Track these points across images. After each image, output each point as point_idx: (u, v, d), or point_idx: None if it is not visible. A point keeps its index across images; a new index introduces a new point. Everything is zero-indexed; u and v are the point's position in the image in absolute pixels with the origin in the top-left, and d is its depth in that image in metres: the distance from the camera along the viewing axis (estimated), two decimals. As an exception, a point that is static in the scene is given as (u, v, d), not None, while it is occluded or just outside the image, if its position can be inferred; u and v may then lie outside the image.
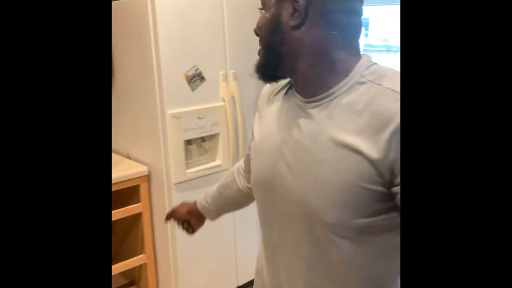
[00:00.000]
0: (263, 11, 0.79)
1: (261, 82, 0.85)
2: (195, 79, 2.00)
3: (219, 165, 2.14)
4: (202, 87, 2.03)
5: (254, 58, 0.82)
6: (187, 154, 2.04)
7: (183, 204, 1.22)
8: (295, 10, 0.73)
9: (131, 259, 2.14)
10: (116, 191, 2.01)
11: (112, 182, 1.98)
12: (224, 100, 2.11)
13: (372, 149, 0.68)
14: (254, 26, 0.81)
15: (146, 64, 1.95)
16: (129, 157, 2.25)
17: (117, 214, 2.03)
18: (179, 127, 1.97)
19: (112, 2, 2.11)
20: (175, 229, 2.03)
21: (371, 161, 0.68)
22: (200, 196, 1.19)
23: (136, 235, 2.22)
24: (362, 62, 0.75)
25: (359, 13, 0.75)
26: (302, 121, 0.77)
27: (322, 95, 0.75)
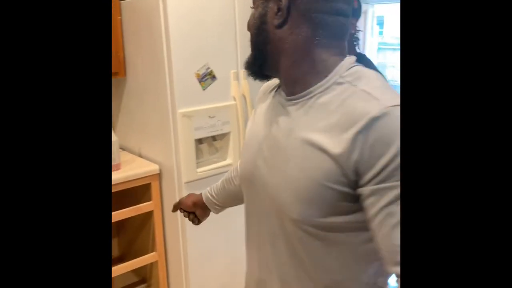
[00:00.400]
0: (253, 9, 0.80)
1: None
2: (206, 78, 2.00)
3: (230, 164, 2.14)
4: (213, 86, 2.03)
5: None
6: (198, 153, 2.05)
7: (189, 195, 1.24)
8: (279, 9, 0.74)
9: (142, 257, 2.15)
10: (128, 189, 2.03)
11: (124, 180, 1.99)
12: (235, 99, 2.10)
13: (336, 147, 0.68)
14: None
15: (158, 63, 1.95)
16: (140, 156, 2.27)
17: (128, 212, 2.04)
18: (190, 126, 1.97)
19: (124, 0, 2.12)
20: (186, 228, 2.03)
21: (334, 159, 0.68)
22: (206, 189, 1.21)
23: (147, 233, 2.23)
24: (343, 63, 0.75)
25: (344, 14, 0.75)
26: (281, 118, 0.80)
27: (301, 94, 0.77)
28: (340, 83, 0.73)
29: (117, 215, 2.01)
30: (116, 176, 1.97)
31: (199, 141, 2.05)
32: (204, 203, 1.20)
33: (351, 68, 0.75)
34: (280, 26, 0.75)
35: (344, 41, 0.77)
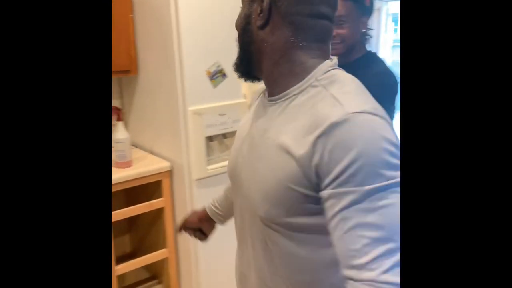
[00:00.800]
0: (241, 9, 0.81)
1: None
2: (217, 75, 2.01)
3: (241, 162, 2.14)
4: (224, 84, 2.03)
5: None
6: (209, 150, 2.06)
7: (193, 213, 1.24)
8: (261, 11, 0.75)
9: (153, 253, 2.17)
10: (139, 186, 2.05)
11: (136, 177, 2.01)
12: (245, 97, 2.10)
13: (299, 149, 0.69)
14: None
15: (169, 60, 1.96)
16: (152, 153, 2.29)
17: (139, 208, 2.07)
18: (200, 123, 1.98)
19: (136, -1, 2.14)
20: (196, 225, 2.04)
21: (297, 161, 0.69)
22: (208, 201, 1.21)
23: (158, 230, 2.25)
24: (321, 66, 0.75)
25: (327, 17, 0.75)
26: (260, 118, 0.82)
27: (279, 95, 0.78)
28: (314, 86, 0.73)
29: (128, 212, 2.03)
30: (128, 173, 2.00)
31: (210, 139, 2.06)
32: (209, 216, 1.20)
33: (328, 72, 0.74)
34: (262, 27, 0.75)
35: (327, 44, 0.77)
